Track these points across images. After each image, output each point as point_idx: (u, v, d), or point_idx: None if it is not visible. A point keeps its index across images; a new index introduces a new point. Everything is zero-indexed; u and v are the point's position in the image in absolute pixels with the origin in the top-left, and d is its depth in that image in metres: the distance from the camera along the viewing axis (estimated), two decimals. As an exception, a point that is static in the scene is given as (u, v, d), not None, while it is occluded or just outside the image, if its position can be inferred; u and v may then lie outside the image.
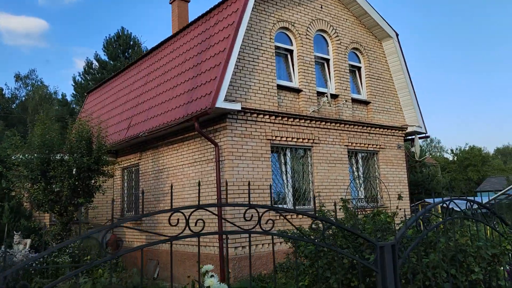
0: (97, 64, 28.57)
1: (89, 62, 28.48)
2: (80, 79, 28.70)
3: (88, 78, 28.54)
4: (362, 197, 12.13)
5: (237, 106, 9.31)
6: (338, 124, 11.70)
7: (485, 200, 21.22)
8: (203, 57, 10.37)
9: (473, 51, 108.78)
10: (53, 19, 78.15)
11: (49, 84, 63.54)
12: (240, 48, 9.99)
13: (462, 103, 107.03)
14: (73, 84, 28.79)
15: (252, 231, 2.79)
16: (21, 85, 42.83)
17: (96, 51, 58.26)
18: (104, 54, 28.68)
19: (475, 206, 4.44)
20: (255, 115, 9.96)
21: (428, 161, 37.26)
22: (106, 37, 34.99)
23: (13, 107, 42.00)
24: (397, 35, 13.41)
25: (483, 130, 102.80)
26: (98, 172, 9.92)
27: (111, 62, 27.89)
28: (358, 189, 12.25)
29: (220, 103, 9.00)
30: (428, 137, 13.91)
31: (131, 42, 28.54)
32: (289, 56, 11.41)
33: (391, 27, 13.26)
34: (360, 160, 12.44)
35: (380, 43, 13.60)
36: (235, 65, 9.84)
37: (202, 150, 10.21)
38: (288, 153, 10.75)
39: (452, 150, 59.32)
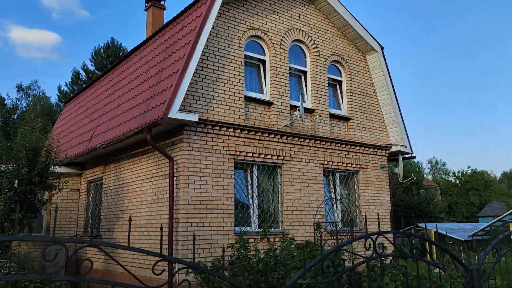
0: (84, 74, 28.13)
1: (76, 72, 28.06)
2: (66, 89, 28.20)
3: (75, 88, 28.08)
4: (338, 220, 11.20)
5: (194, 117, 8.52)
6: (313, 141, 10.86)
7: (483, 225, 20.16)
8: (165, 64, 9.65)
9: (478, 64, 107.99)
10: (65, 32, 78.97)
11: (50, 96, 63.42)
12: (204, 56, 9.27)
13: (468, 124, 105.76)
14: (58, 94, 28.27)
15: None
16: (23, 96, 42.50)
17: (83, 61, 57.56)
18: (92, 65, 28.26)
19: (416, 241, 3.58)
20: (217, 128, 9.16)
21: (427, 183, 36.17)
22: (94, 47, 34.60)
23: (14, 117, 41.54)
24: (382, 48, 12.66)
25: (490, 154, 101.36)
26: (41, 186, 9.12)
27: (98, 72, 27.41)
28: (334, 211, 11.33)
29: (174, 114, 8.22)
30: (413, 157, 13.03)
31: (120, 53, 28.08)
32: (261, 67, 10.67)
33: (375, 40, 12.52)
34: (337, 180, 11.55)
35: (364, 56, 12.85)
36: (197, 73, 9.11)
37: (159, 164, 9.40)
38: (255, 171, 9.90)
39: (454, 173, 58.09)
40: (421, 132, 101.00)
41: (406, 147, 12.66)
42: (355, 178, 11.92)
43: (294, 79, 11.40)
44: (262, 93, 10.46)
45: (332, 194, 11.45)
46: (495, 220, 18.78)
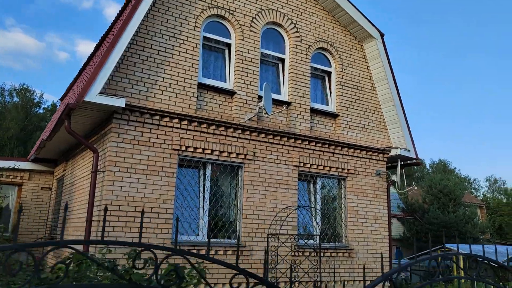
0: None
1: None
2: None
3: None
4: (316, 233, 9.44)
5: (119, 102, 7.23)
6: (285, 139, 9.26)
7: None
8: (105, 44, 8.50)
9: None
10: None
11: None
12: (147, 34, 8.04)
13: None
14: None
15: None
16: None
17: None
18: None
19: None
20: (158, 117, 7.83)
21: (470, 200, 32.78)
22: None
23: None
24: (381, 35, 10.85)
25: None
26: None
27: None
28: (313, 223, 9.59)
29: (93, 97, 6.99)
30: (419, 163, 10.98)
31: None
32: (226, 52, 9.26)
33: (373, 25, 10.74)
34: (318, 187, 9.82)
35: (361, 44, 11.08)
36: (136, 54, 7.88)
37: (91, 159, 8.20)
38: (208, 170, 8.45)
39: (506, 190, 53.10)
40: (474, 144, 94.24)
41: (409, 151, 10.68)
42: (342, 185, 10.12)
43: (269, 67, 9.89)
44: (225, 81, 9.04)
45: (313, 203, 9.73)
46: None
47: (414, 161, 10.92)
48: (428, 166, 69.11)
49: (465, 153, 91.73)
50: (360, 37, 10.97)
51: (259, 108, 8.97)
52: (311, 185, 9.81)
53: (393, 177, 10.33)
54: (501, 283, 3.49)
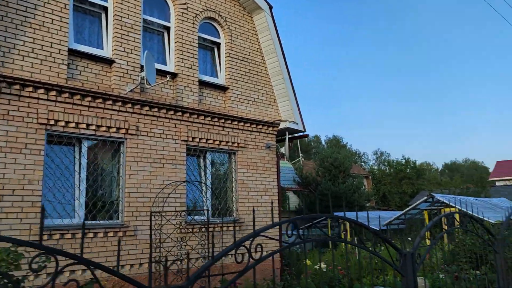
0: None
1: None
2: None
3: None
4: (207, 209, 9.20)
5: (-36, 68, 6.12)
6: (172, 112, 8.77)
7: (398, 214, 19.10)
8: None
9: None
10: None
11: None
12: (2, -11, 6.88)
13: (415, 113, 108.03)
14: None
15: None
16: None
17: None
18: None
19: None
20: (18, 87, 6.81)
21: (354, 172, 35.48)
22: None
23: None
24: (270, 7, 10.76)
25: (432, 145, 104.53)
26: None
27: None
28: (203, 199, 9.33)
29: None
30: (305, 136, 11.29)
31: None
32: (103, 16, 8.39)
33: (261, -3, 10.60)
34: (209, 162, 9.55)
35: (251, 16, 10.89)
36: (-12, 12, 6.70)
37: None
38: (84, 147, 7.66)
39: (388, 162, 58.65)
40: (371, 122, 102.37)
41: (297, 123, 10.87)
42: (233, 159, 9.98)
43: (154, 35, 9.23)
44: (103, 49, 8.20)
45: (203, 178, 9.44)
46: (410, 208, 17.75)
47: (302, 133, 11.18)
48: (323, 142, 73.46)
49: (356, 130, 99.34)
50: (249, 9, 10.76)
51: (141, 78, 8.33)
52: (201, 160, 9.50)
53: (282, 150, 10.46)
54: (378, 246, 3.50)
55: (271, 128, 10.68)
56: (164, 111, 8.62)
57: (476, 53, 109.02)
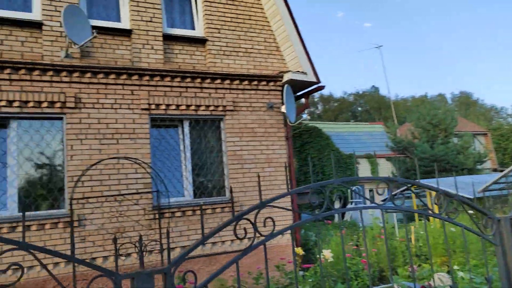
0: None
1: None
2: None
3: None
4: (186, 188, 7.59)
5: None
6: (125, 77, 7.28)
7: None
8: None
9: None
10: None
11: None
12: None
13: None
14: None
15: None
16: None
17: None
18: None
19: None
20: None
21: (466, 130, 30.03)
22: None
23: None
24: None
25: None
26: None
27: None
28: (186, 177, 7.74)
29: None
30: (321, 88, 8.82)
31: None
32: (33, -26, 7.17)
33: None
34: (187, 132, 7.89)
35: None
36: None
37: None
38: (13, 130, 6.60)
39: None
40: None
41: (305, 73, 8.54)
42: (219, 126, 8.17)
43: (103, -11, 7.77)
44: (30, 11, 7.01)
45: (183, 154, 7.84)
46: (509, 169, 13.77)
47: (315, 86, 8.79)
48: (450, 100, 65.83)
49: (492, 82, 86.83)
50: None
51: (87, 40, 6.92)
52: (176, 131, 7.88)
53: (283, 109, 8.28)
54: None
55: (272, 83, 8.56)
56: (113, 76, 7.17)
57: None
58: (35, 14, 6.95)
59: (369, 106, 71.28)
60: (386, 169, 27.03)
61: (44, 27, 6.85)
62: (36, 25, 6.85)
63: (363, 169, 25.02)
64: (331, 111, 72.57)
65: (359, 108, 75.16)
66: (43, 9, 6.92)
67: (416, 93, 77.62)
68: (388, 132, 28.53)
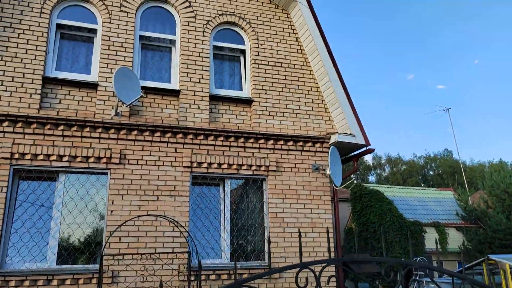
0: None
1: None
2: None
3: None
4: (224, 250, 7.34)
5: None
6: (170, 135, 7.45)
7: None
8: None
9: None
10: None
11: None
12: (-27, 27, 6.88)
13: None
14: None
15: None
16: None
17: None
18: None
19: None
20: (-20, 121, 6.53)
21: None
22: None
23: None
24: (306, -4, 8.71)
25: None
26: None
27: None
28: (224, 238, 7.52)
29: None
30: (370, 151, 8.35)
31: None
32: (95, 39, 7.80)
33: (293, -13, 8.66)
34: (227, 191, 7.77)
35: (286, 13, 9.01)
36: (-43, 51, 6.72)
37: None
38: (62, 179, 6.90)
39: None
40: None
41: (353, 135, 8.23)
42: (261, 187, 7.97)
43: (156, 53, 8.22)
44: (88, 73, 7.54)
45: (222, 214, 7.69)
46: None
47: (364, 148, 8.40)
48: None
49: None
50: (283, 4, 8.92)
51: (134, 101, 7.25)
52: (218, 190, 7.80)
53: (328, 171, 7.93)
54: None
55: (318, 145, 8.33)
56: (158, 134, 7.37)
57: None
58: (93, 76, 7.46)
59: (442, 170, 67.72)
60: (456, 239, 24.80)
61: (99, 88, 7.31)
62: (92, 86, 7.33)
63: (430, 239, 23.12)
64: (400, 173, 69.76)
65: (431, 172, 71.61)
66: (100, 71, 7.42)
67: (494, 158, 72.81)
68: (458, 199, 26.52)
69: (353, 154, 8.56)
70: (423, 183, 67.08)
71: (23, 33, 7.13)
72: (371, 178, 72.71)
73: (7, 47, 7.00)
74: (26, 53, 7.07)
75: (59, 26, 7.56)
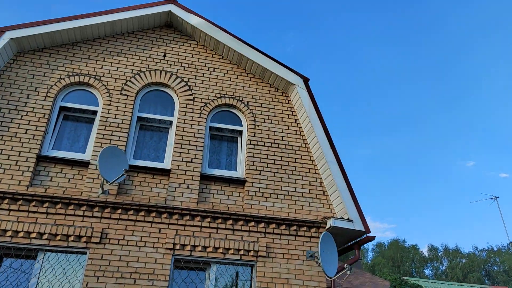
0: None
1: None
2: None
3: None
4: None
5: None
6: (154, 214, 7.30)
7: None
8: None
9: None
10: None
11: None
12: (-19, 109, 7.45)
13: None
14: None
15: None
16: None
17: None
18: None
19: None
20: None
21: None
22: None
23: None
24: (305, 80, 8.77)
25: None
26: None
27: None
28: (200, 329, 6.91)
29: None
30: (370, 239, 7.64)
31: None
32: (95, 120, 8.15)
33: (292, 71, 8.80)
34: (213, 277, 7.28)
35: (286, 95, 9.06)
36: (-37, 130, 7.23)
37: None
38: (40, 258, 6.81)
39: None
40: None
41: (351, 221, 7.65)
42: (250, 274, 7.42)
43: (154, 133, 8.40)
44: (83, 152, 7.77)
45: (206, 301, 7.16)
46: None
47: (364, 236, 7.72)
48: None
49: None
50: (282, 87, 9.03)
51: (118, 180, 7.28)
52: (202, 275, 7.35)
53: (318, 259, 7.27)
54: None
55: (314, 230, 7.79)
56: (143, 213, 7.25)
57: None
58: (87, 154, 7.68)
59: (508, 266, 61.42)
60: None
61: (90, 166, 7.46)
62: (84, 164, 7.50)
63: None
64: (459, 268, 64.02)
65: (495, 267, 65.18)
66: (94, 150, 7.63)
67: None
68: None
69: (354, 241, 7.89)
70: (488, 281, 60.84)
71: (26, 115, 7.61)
72: (427, 271, 67.16)
73: (8, 127, 7.46)
74: (25, 133, 7.47)
75: (62, 108, 8.01)
